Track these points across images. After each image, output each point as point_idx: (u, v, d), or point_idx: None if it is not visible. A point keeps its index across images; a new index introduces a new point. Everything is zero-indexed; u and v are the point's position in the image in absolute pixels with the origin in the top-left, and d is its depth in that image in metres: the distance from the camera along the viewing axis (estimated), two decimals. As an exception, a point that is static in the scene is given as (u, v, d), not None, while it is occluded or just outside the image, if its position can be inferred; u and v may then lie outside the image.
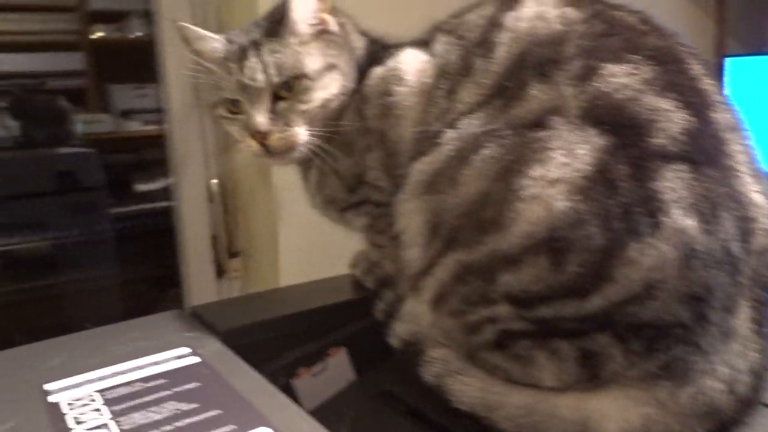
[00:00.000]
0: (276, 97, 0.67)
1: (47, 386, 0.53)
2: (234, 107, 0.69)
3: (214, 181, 1.57)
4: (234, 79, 0.66)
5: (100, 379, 0.54)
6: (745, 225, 0.50)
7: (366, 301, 0.72)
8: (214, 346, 0.60)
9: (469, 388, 0.57)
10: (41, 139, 2.28)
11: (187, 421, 0.47)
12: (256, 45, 0.67)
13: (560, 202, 0.49)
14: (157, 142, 1.95)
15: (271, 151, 0.67)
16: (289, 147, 0.67)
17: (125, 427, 0.46)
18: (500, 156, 0.53)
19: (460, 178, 0.54)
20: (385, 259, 0.72)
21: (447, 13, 0.69)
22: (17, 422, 0.47)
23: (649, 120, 0.51)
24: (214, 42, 0.69)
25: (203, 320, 0.66)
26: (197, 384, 0.52)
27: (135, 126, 2.63)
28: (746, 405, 0.53)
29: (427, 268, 0.57)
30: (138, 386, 0.52)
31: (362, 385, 0.70)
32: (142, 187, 2.59)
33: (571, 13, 0.58)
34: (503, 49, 0.59)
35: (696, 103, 0.52)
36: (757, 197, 0.52)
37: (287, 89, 0.66)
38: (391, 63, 0.68)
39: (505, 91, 0.57)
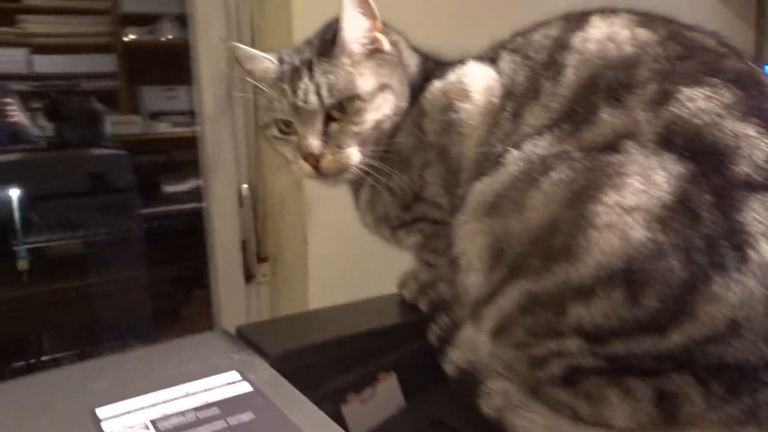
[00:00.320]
0: (328, 118, 0.65)
1: (99, 411, 0.52)
2: (286, 128, 0.67)
3: (245, 185, 1.57)
4: (287, 101, 0.65)
5: (152, 405, 0.52)
6: None
7: (416, 324, 0.70)
8: (265, 371, 0.58)
9: (533, 425, 0.54)
10: (75, 141, 2.30)
11: (244, 457, 0.45)
12: (308, 65, 0.65)
13: (638, 231, 0.46)
14: (187, 144, 1.95)
15: (324, 173, 0.65)
16: (341, 169, 0.66)
17: (181, 463, 0.44)
18: (571, 180, 0.50)
19: (527, 202, 0.52)
20: (440, 280, 0.70)
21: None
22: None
23: (732, 147, 0.48)
24: (266, 62, 0.68)
25: (251, 342, 0.64)
26: (251, 416, 0.50)
27: (164, 127, 2.65)
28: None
29: (488, 295, 0.54)
30: (191, 416, 0.51)
31: (412, 412, 0.68)
32: (170, 188, 2.61)
33: (644, 34, 0.56)
34: (571, 72, 0.56)
35: None
36: None
37: (340, 110, 0.65)
38: (452, 77, 0.65)
39: (574, 115, 0.54)
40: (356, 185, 0.73)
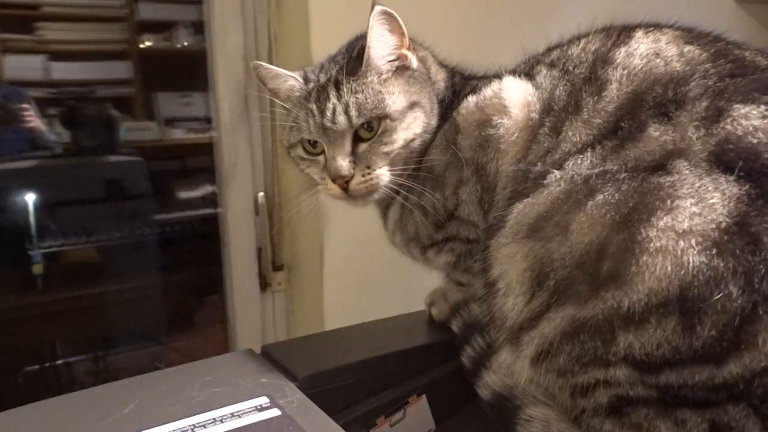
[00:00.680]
0: (357, 138, 0.63)
1: (125, 440, 0.50)
2: (312, 148, 0.66)
3: (261, 193, 1.56)
4: (313, 121, 0.63)
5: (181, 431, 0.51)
6: None
7: (446, 344, 0.67)
8: (294, 396, 0.56)
9: (575, 456, 0.51)
10: (90, 147, 2.31)
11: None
12: (335, 84, 0.63)
13: (693, 256, 0.44)
14: (201, 151, 1.95)
15: (353, 194, 0.64)
16: (371, 190, 0.64)
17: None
18: (619, 202, 0.48)
19: (572, 225, 0.49)
20: (472, 300, 0.68)
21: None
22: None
23: None
24: (290, 80, 0.66)
25: (278, 363, 0.62)
26: (283, 445, 0.48)
27: (179, 134, 2.65)
28: None
29: (529, 320, 0.52)
30: (221, 445, 0.49)
31: (443, 436, 0.66)
32: (185, 194, 2.61)
33: (692, 51, 0.54)
34: (615, 87, 0.54)
35: None
36: None
37: (369, 130, 0.63)
38: (488, 92, 0.63)
39: (619, 130, 0.52)
40: (384, 204, 0.71)
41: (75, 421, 0.54)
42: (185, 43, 2.55)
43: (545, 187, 0.53)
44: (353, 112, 0.62)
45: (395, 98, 0.63)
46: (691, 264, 0.44)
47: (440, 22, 1.29)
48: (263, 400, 0.55)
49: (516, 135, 0.60)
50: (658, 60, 0.54)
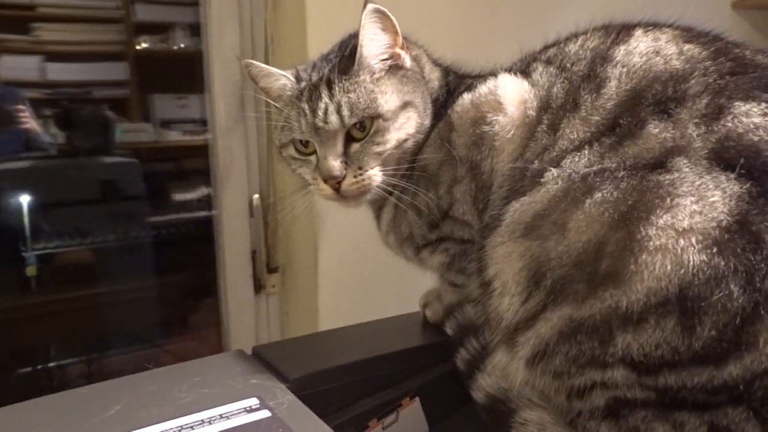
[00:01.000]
0: (349, 138, 0.62)
1: (110, 441, 0.49)
2: (304, 148, 0.65)
3: (256, 195, 1.55)
4: (305, 120, 0.62)
5: (167, 434, 0.49)
6: None
7: (439, 346, 0.66)
8: (284, 397, 0.55)
9: (571, 459, 0.50)
10: (86, 148, 2.29)
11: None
12: (327, 83, 0.62)
13: (693, 254, 0.43)
14: (197, 153, 1.94)
15: (345, 195, 0.63)
16: (363, 191, 0.63)
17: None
18: (617, 200, 0.47)
19: (569, 223, 0.48)
20: (466, 301, 0.67)
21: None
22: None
23: None
24: (282, 79, 0.65)
25: (269, 365, 0.61)
26: (273, 447, 0.47)
27: (175, 136, 2.64)
28: None
29: (525, 321, 0.51)
30: (208, 447, 0.47)
31: (437, 439, 0.64)
32: (180, 196, 2.59)
33: (693, 49, 0.53)
34: (614, 84, 0.54)
35: None
36: None
37: (361, 129, 0.62)
38: (484, 89, 0.62)
39: (618, 128, 0.51)
40: (377, 204, 0.70)
41: (60, 422, 0.52)
42: (182, 45, 2.54)
43: (542, 185, 0.52)
44: (345, 112, 0.61)
45: (388, 98, 0.63)
46: (691, 263, 0.43)
47: (439, 21, 1.29)
48: (253, 402, 0.54)
49: (512, 132, 0.59)
50: (657, 58, 0.54)
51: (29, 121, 2.33)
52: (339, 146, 0.62)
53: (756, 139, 0.46)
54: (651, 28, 0.58)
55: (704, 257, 0.43)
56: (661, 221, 0.45)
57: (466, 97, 0.64)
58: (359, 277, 1.38)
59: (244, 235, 1.56)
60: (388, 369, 0.65)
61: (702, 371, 0.44)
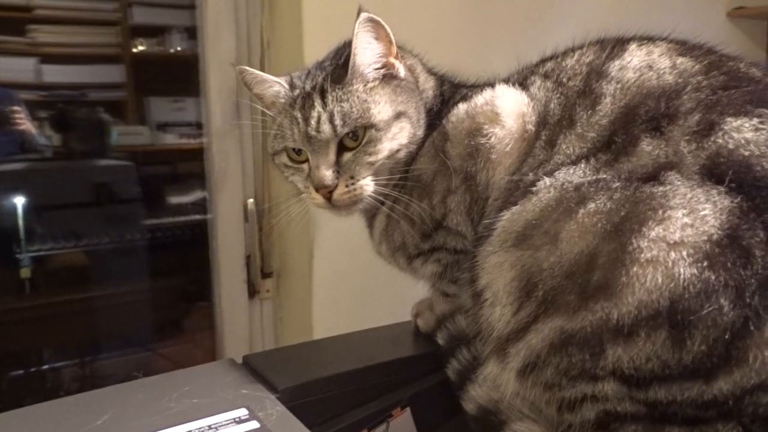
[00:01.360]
0: (341, 147, 0.62)
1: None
2: (297, 156, 0.64)
3: (251, 200, 1.55)
4: (298, 129, 0.62)
5: (153, 446, 0.49)
6: None
7: (431, 356, 0.66)
8: (274, 408, 0.54)
9: (561, 472, 0.50)
10: (81, 151, 2.29)
11: None
12: (321, 92, 0.62)
13: (684, 268, 0.43)
14: (193, 156, 1.93)
15: (337, 204, 0.62)
16: (355, 200, 0.63)
17: None
18: (611, 211, 0.47)
19: (562, 233, 0.48)
20: (458, 311, 0.66)
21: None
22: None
23: None
24: (276, 86, 0.65)
25: (259, 375, 0.60)
26: (261, 460, 0.47)
27: (170, 139, 2.63)
28: None
29: (516, 332, 0.51)
30: (195, 459, 0.47)
31: (428, 450, 0.64)
32: (175, 199, 2.59)
33: (686, 63, 0.53)
34: (609, 101, 0.54)
35: None
36: None
37: (353, 138, 0.62)
38: (480, 100, 0.62)
39: (613, 145, 0.51)
40: (370, 213, 0.70)
41: (45, 432, 0.52)
42: (178, 48, 2.54)
43: (534, 194, 0.52)
44: (338, 121, 0.61)
45: (381, 108, 0.62)
46: (681, 276, 0.43)
47: (434, 29, 1.29)
48: (242, 412, 0.54)
49: (510, 146, 0.59)
50: (650, 73, 0.54)
51: (24, 123, 2.32)
52: (331, 155, 0.62)
53: (747, 154, 0.46)
54: (645, 41, 0.58)
55: (695, 271, 0.43)
56: (653, 233, 0.45)
57: (462, 108, 0.63)
58: (354, 282, 1.38)
59: (238, 239, 1.56)
60: (378, 379, 0.64)
61: (692, 386, 0.44)
